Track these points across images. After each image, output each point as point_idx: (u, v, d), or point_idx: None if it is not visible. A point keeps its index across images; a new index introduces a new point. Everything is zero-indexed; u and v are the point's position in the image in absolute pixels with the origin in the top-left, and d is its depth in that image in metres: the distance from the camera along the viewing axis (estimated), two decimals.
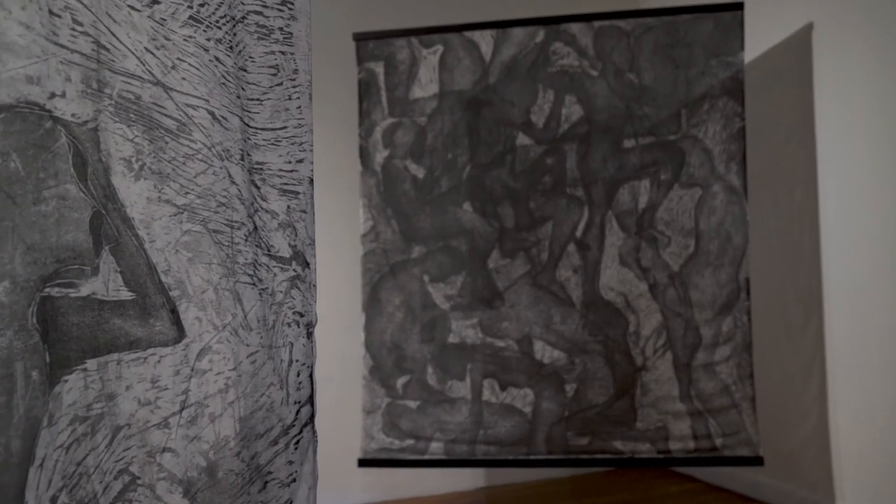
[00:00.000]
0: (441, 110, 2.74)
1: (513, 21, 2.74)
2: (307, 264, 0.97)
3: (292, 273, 0.95)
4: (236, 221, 0.85)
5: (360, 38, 2.81)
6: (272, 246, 0.92)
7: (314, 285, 0.98)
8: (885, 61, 2.53)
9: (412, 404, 2.69)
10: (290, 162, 0.95)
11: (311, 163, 0.97)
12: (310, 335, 0.97)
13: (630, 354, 2.62)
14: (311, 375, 0.97)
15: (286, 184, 0.95)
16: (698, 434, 2.56)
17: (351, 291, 2.96)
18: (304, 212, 0.96)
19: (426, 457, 2.68)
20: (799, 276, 2.89)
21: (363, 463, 2.73)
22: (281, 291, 0.93)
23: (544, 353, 2.65)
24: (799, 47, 2.86)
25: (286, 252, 0.94)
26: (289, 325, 0.93)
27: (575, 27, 2.69)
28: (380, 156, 2.76)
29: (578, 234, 2.66)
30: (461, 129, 2.73)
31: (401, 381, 2.71)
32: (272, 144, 0.94)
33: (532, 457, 2.65)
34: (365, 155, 2.78)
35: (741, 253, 2.55)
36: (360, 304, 2.78)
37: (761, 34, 3.00)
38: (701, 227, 2.59)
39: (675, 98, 2.61)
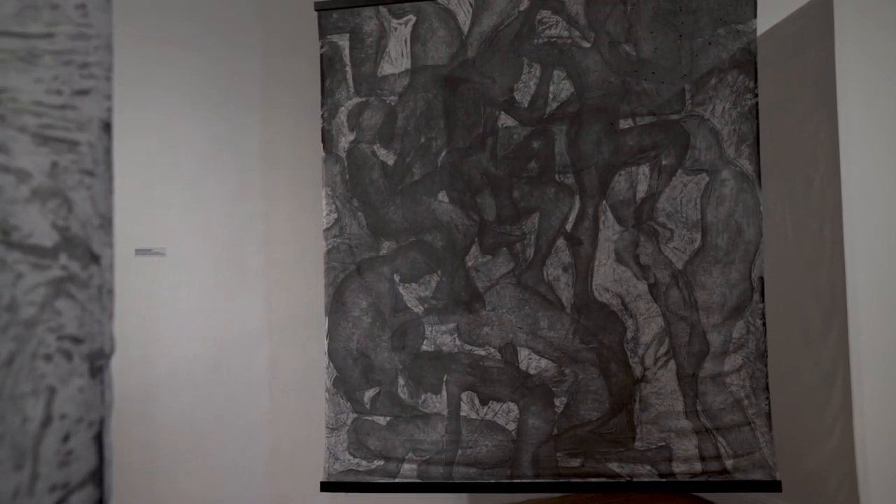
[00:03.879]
0: (413, 88, 2.45)
1: None
2: (94, 259, 0.59)
3: (59, 273, 0.56)
4: None
5: (323, 8, 2.55)
6: (15, 227, 0.54)
7: (110, 292, 0.60)
8: None
9: (381, 420, 2.42)
10: (59, 92, 0.57)
11: (109, 97, 0.59)
12: (97, 372, 0.59)
13: (628, 364, 2.33)
14: (97, 437, 0.59)
15: (50, 126, 0.57)
16: (706, 455, 2.29)
17: (313, 293, 2.63)
18: (91, 174, 0.58)
19: (397, 480, 2.40)
20: (819, 275, 2.64)
21: (326, 486, 2.44)
22: (33, 303, 0.54)
23: (530, 362, 2.38)
24: (819, 15, 2.59)
25: (47, 238, 0.56)
26: (47, 357, 0.55)
27: None
28: (344, 140, 2.48)
29: (569, 227, 2.37)
30: (436, 109, 2.44)
31: (368, 395, 2.43)
32: (22, 60, 0.55)
33: (517, 480, 2.37)
34: (328, 139, 2.49)
35: (754, 248, 2.28)
36: (322, 307, 2.48)
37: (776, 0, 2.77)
38: (708, 219, 2.31)
39: (679, 72, 2.33)
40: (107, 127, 0.61)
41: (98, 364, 0.59)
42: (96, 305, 0.59)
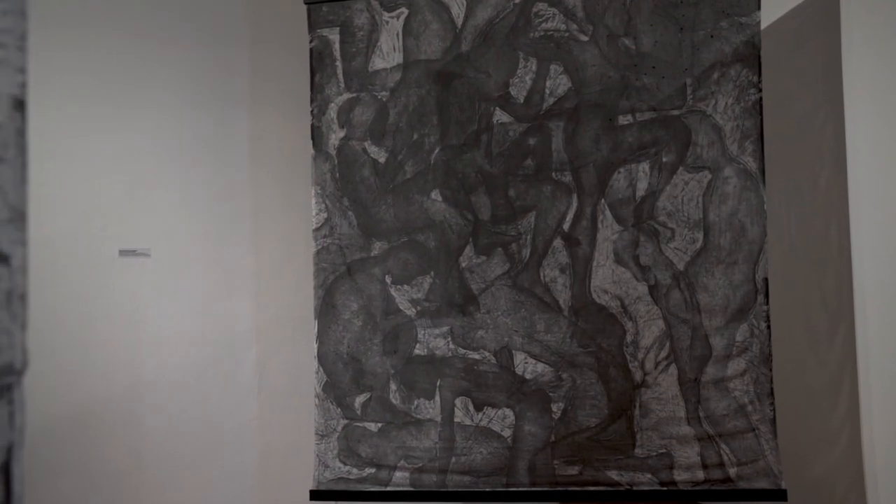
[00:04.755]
0: (405, 83, 2.37)
1: None
2: (2, 258, 0.50)
3: None
4: None
5: (312, 1, 2.46)
6: None
7: (22, 297, 0.52)
8: None
9: (373, 427, 2.34)
10: None
11: (22, 71, 0.51)
12: (3, 392, 0.50)
13: (627, 368, 2.25)
14: (4, 467, 0.50)
15: None
16: (708, 462, 2.20)
17: (303, 295, 2.55)
18: None
19: (389, 488, 2.32)
20: (825, 276, 2.53)
21: (316, 495, 2.36)
22: None
23: (526, 366, 2.29)
24: (824, 8, 2.49)
25: None
26: None
27: None
28: (335, 137, 2.40)
29: (566, 226, 2.28)
30: (429, 105, 2.35)
31: (359, 400, 2.35)
32: None
33: (512, 489, 2.28)
34: (317, 136, 2.40)
35: (758, 248, 2.20)
36: (312, 309, 2.39)
37: None
38: (710, 218, 2.22)
39: (679, 66, 2.24)
40: (19, 105, 0.52)
41: (5, 382, 0.51)
42: (3, 313, 0.50)
